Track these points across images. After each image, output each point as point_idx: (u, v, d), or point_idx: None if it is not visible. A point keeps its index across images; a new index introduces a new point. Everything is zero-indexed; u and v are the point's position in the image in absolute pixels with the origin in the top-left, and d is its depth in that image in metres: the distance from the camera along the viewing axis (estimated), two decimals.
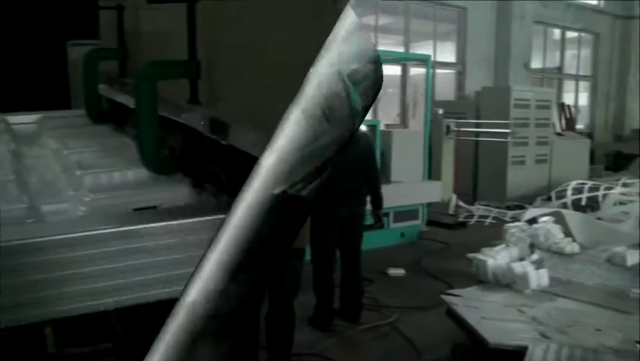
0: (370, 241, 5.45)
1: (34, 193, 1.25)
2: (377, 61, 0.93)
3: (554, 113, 10.74)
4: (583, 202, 7.53)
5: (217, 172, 1.42)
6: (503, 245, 4.21)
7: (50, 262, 0.93)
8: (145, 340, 2.13)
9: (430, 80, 7.45)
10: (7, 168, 1.44)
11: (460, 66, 11.17)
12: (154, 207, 1.14)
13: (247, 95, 1.27)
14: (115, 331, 2.16)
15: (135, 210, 1.13)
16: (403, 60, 8.93)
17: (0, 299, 0.89)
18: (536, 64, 12.33)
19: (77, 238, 0.94)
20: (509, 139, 9.15)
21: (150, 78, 1.48)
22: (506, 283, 3.68)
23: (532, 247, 4.37)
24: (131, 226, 0.99)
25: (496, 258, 3.87)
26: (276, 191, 0.84)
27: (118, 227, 0.98)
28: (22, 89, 3.51)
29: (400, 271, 5.74)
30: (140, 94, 1.47)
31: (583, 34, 13.96)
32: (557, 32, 13.48)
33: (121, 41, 2.26)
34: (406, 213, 6.93)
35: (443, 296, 3.55)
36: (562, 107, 11.98)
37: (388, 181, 6.57)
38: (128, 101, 1.84)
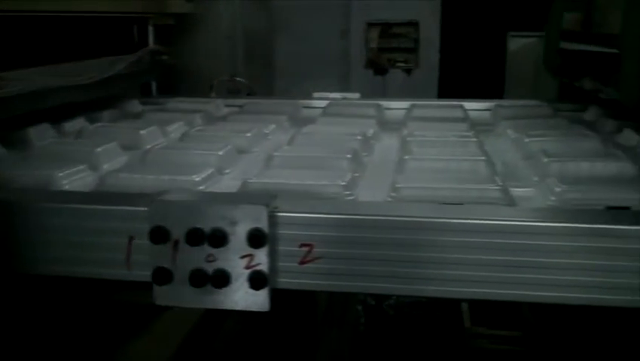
0: None
1: (501, 177, 1.24)
2: None
3: None
4: None
5: None
6: None
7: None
8: (554, 337, 2.07)
9: None
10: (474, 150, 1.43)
11: None
12: (627, 208, 1.04)
13: None
14: (527, 321, 2.39)
15: (609, 208, 1.04)
16: None
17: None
18: None
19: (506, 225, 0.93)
20: None
21: None
22: None
23: None
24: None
25: None
26: None
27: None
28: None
29: None
30: (629, 22, 1.37)
31: None
32: None
33: None
34: None
35: None
36: None
37: None
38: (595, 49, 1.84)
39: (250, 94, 2.50)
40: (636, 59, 1.34)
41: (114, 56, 1.96)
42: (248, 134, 1.57)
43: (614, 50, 1.46)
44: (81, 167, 1.29)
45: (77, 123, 1.72)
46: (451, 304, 2.72)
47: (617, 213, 1.03)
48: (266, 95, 2.37)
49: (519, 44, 4.02)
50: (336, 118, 1.86)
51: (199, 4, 2.54)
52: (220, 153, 1.37)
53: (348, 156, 1.32)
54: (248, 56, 2.92)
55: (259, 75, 3.32)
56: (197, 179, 1.21)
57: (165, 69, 2.21)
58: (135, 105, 2.07)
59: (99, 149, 1.37)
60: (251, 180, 1.17)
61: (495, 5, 4.21)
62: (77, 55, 1.84)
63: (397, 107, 2.17)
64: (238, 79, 2.45)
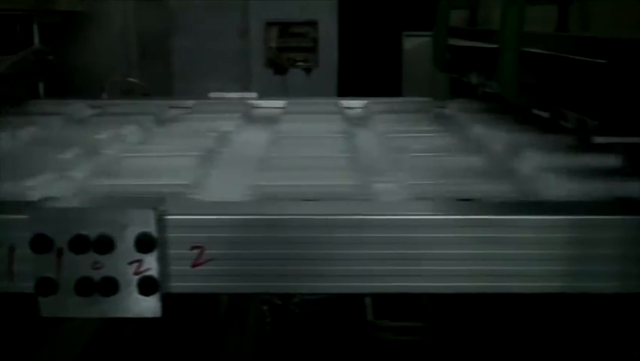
0: None
1: (363, 172, 1.28)
2: None
3: None
4: None
5: (585, 99, 1.42)
6: None
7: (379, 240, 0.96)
8: (455, 325, 2.22)
9: None
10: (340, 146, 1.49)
11: None
12: (476, 200, 1.10)
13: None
14: (428, 312, 2.51)
15: (458, 200, 1.10)
16: None
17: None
18: None
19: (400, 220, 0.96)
20: None
21: (519, 2, 1.43)
22: None
23: None
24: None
25: None
26: None
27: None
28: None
29: None
30: (506, 20, 1.43)
31: None
32: None
33: None
34: None
35: None
36: None
37: None
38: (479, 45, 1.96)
39: (145, 94, 2.44)
40: (513, 54, 1.42)
41: None
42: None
43: (495, 46, 1.54)
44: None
45: None
46: (354, 299, 2.76)
47: (502, 204, 1.08)
48: (164, 96, 2.32)
49: (414, 43, 4.15)
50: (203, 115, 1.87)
51: (90, 3, 2.46)
52: None
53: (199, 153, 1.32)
54: (143, 56, 2.85)
55: (156, 75, 3.25)
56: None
57: (51, 70, 2.11)
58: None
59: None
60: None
61: (390, 5, 4.33)
62: None
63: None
64: (131, 79, 2.38)
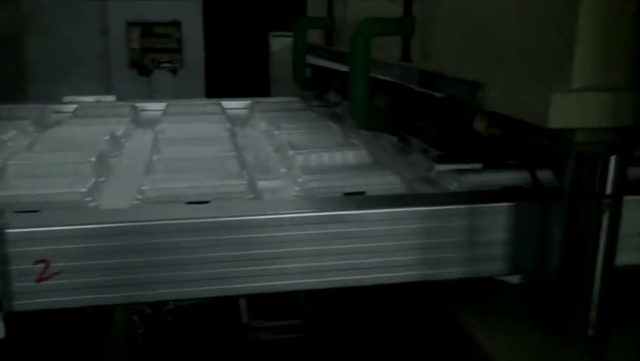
0: None
1: (251, 170, 1.31)
2: None
3: None
4: None
5: (428, 128, 1.51)
6: None
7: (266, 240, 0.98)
8: (331, 321, 2.23)
9: None
10: (226, 145, 1.51)
11: None
12: (362, 193, 1.17)
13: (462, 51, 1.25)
14: (304, 310, 2.50)
15: (346, 194, 1.16)
16: None
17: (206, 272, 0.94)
18: None
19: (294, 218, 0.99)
20: None
21: (366, 34, 1.50)
22: None
23: None
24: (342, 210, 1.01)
25: None
26: None
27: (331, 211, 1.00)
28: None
29: None
30: (355, 50, 1.48)
31: None
32: None
33: (330, 10, 2.30)
34: None
35: None
36: None
37: None
38: (334, 66, 2.02)
39: None
40: (362, 81, 1.47)
41: None
42: None
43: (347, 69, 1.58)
44: None
45: None
46: (228, 302, 2.73)
47: (353, 198, 1.12)
48: (16, 101, 2.17)
49: (282, 44, 4.16)
50: (85, 119, 1.78)
51: None
52: None
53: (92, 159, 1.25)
54: None
55: (8, 79, 3.05)
56: None
57: None
58: None
59: None
60: None
61: (256, 5, 4.33)
62: None
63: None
64: None
